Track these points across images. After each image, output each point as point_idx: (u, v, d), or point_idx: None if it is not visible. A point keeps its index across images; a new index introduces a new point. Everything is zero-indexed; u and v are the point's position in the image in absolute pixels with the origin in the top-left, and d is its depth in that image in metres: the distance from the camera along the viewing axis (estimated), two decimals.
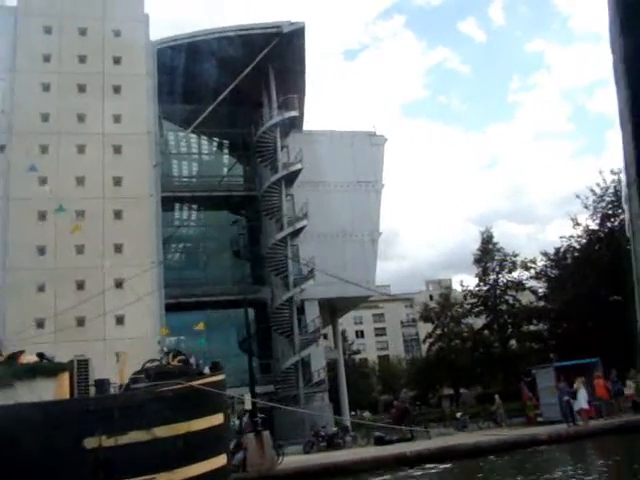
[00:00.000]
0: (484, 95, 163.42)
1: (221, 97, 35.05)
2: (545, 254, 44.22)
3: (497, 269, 51.63)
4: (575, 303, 40.89)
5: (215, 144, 44.79)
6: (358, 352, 78.59)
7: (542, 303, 45.97)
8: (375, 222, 41.44)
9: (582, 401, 23.42)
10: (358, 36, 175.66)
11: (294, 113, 38.44)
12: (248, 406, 20.28)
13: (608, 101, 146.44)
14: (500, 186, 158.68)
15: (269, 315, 36.97)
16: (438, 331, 57.02)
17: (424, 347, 64.31)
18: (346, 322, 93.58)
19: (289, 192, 39.22)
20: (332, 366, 79.79)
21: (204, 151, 45.45)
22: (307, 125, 42.73)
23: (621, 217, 40.78)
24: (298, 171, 38.47)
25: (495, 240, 52.24)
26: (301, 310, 37.75)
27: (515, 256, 50.32)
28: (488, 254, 51.85)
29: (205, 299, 37.12)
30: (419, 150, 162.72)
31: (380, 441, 28.66)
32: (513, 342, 50.96)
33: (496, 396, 31.79)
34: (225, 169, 44.91)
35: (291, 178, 38.71)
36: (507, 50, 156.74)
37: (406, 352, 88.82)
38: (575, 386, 24.06)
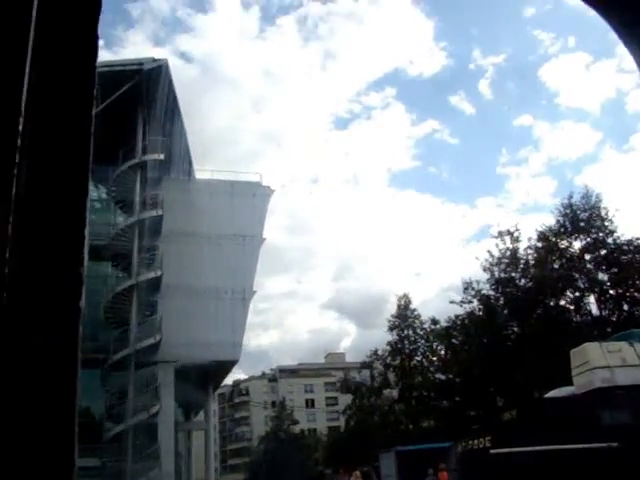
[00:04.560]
0: (473, 168, 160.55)
1: None
2: (434, 321, 40.28)
3: (413, 338, 47.60)
4: (463, 378, 36.93)
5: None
6: (296, 422, 73.55)
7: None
8: (249, 279, 37.84)
9: None
10: (349, 105, 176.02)
11: (155, 156, 35.39)
12: None
13: (595, 178, 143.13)
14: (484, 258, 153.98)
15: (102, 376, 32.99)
16: (358, 402, 52.69)
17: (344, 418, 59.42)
18: (297, 390, 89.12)
19: (152, 242, 35.85)
20: (269, 437, 75.18)
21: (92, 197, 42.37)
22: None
23: (516, 282, 37.03)
24: (158, 219, 35.16)
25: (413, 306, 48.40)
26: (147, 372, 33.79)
27: (435, 323, 46.10)
28: (405, 321, 47.89)
29: None
30: (407, 221, 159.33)
31: None
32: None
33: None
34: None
35: (153, 227, 35.35)
36: (496, 124, 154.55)
37: None
38: None
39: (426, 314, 48.35)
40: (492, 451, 16.18)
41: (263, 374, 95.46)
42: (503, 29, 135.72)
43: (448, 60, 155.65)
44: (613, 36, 2.10)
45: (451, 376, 39.39)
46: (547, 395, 18.45)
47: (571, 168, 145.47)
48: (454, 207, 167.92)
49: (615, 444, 15.62)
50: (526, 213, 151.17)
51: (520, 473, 15.62)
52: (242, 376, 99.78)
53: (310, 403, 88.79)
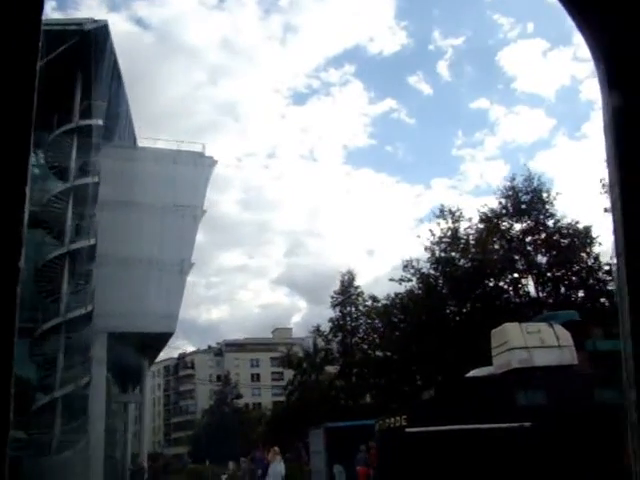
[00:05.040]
0: (429, 148, 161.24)
1: None
2: (374, 299, 40.27)
3: (355, 315, 47.55)
4: (399, 356, 37.10)
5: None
6: (240, 396, 73.43)
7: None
8: (188, 251, 37.10)
9: (272, 477, 18.69)
10: (307, 81, 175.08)
11: (94, 121, 34.26)
12: None
13: (547, 163, 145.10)
14: (426, 237, 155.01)
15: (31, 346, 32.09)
16: (300, 378, 52.65)
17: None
18: (242, 364, 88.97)
19: (88, 210, 34.83)
20: (213, 411, 75.17)
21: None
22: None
23: (456, 262, 37.12)
24: (95, 187, 34.15)
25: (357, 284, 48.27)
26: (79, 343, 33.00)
27: (376, 301, 45.92)
28: (348, 298, 47.76)
29: None
30: (362, 199, 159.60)
31: None
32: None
33: (242, 459, 27.19)
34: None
35: (89, 195, 34.31)
36: (453, 106, 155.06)
37: None
38: (270, 457, 19.37)
39: (377, 292, 48.24)
40: (407, 430, 16.06)
41: (209, 348, 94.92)
42: (464, 11, 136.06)
43: (408, 40, 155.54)
44: (570, 24, 2.19)
45: (389, 353, 39.52)
46: (468, 374, 18.38)
47: (525, 153, 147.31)
48: (409, 187, 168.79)
49: (528, 424, 15.66)
50: (479, 195, 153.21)
51: (434, 452, 15.54)
52: (190, 348, 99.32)
53: (256, 377, 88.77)
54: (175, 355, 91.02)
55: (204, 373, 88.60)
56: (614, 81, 1.99)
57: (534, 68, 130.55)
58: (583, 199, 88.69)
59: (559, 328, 17.47)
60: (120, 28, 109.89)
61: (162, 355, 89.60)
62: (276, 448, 19.37)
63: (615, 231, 2.01)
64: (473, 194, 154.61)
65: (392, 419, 16.81)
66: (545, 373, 16.66)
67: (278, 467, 18.67)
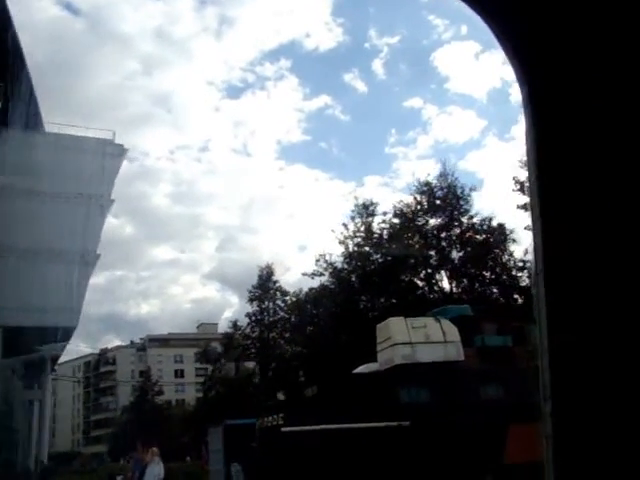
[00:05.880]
0: (363, 146, 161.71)
1: None
2: (283, 293, 39.59)
3: (273, 310, 46.71)
4: (310, 351, 36.49)
5: None
6: (161, 393, 71.77)
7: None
8: (94, 242, 35.31)
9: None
10: (242, 74, 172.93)
11: None
12: None
13: (478, 163, 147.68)
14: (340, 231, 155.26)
15: None
16: (218, 373, 51.65)
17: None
18: (166, 360, 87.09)
19: None
20: (133, 408, 73.22)
21: None
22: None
23: (369, 256, 36.69)
24: None
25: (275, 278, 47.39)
26: None
27: (297, 296, 45.22)
28: (266, 293, 46.85)
29: None
30: (295, 194, 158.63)
31: None
32: None
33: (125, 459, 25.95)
34: None
35: None
36: (387, 104, 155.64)
37: None
38: (147, 458, 18.17)
39: (305, 287, 47.09)
40: (283, 429, 15.29)
41: (132, 343, 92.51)
42: (400, 11, 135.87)
43: (344, 37, 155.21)
44: None
45: (299, 348, 38.93)
46: (355, 371, 17.74)
47: (456, 152, 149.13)
48: (342, 184, 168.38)
49: (406, 423, 15.09)
50: (411, 193, 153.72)
51: (310, 452, 14.79)
52: (118, 344, 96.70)
53: (180, 373, 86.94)
54: (96, 351, 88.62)
55: (126, 369, 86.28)
56: (535, 91, 2.17)
57: (466, 69, 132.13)
58: (509, 199, 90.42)
59: (446, 323, 16.97)
60: (48, 13, 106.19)
61: (86, 350, 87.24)
62: (155, 449, 18.20)
63: (535, 250, 2.09)
64: (405, 192, 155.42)
65: (271, 417, 16.02)
66: (429, 369, 16.12)
67: (156, 468, 17.56)
